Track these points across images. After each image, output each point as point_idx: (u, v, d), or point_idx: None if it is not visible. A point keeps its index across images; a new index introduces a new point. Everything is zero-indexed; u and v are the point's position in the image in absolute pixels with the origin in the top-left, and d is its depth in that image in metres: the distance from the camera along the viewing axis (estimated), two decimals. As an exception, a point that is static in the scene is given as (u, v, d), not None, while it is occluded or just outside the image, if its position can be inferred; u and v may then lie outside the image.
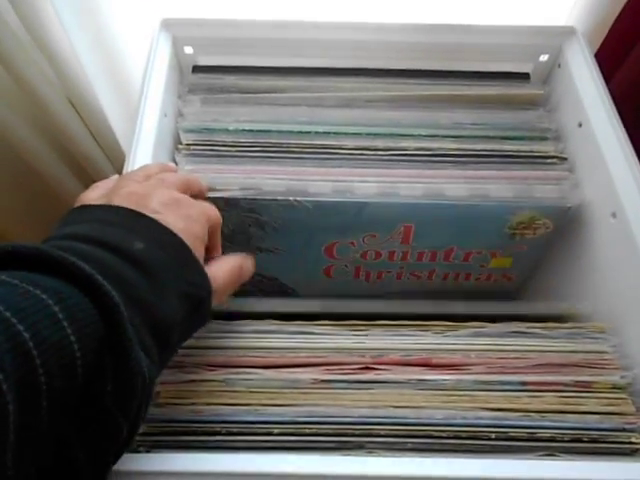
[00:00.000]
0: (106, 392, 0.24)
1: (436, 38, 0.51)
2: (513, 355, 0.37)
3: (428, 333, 0.38)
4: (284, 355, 0.37)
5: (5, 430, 0.20)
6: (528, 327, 0.38)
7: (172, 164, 0.42)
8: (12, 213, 0.69)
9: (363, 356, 0.37)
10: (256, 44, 0.51)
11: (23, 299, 0.22)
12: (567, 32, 0.52)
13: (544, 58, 0.53)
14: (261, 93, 0.50)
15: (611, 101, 0.48)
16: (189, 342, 0.36)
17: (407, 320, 0.38)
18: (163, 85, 0.48)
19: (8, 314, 0.21)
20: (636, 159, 0.44)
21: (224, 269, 0.34)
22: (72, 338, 0.22)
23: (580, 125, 0.48)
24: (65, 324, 0.22)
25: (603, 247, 0.45)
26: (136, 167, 0.42)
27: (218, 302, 0.33)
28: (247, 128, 0.47)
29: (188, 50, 0.52)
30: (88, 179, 0.69)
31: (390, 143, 0.47)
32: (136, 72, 0.55)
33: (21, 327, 0.21)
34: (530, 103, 0.51)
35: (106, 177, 0.56)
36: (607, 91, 0.48)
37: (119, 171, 0.56)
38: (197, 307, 0.30)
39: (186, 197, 0.34)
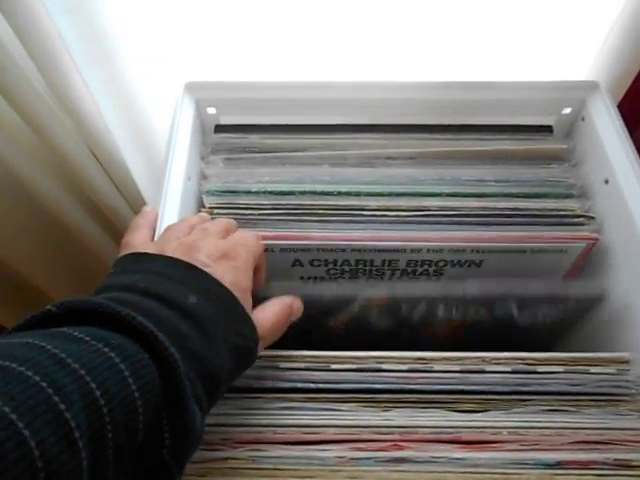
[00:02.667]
0: (165, 446, 0.25)
1: (456, 95, 0.50)
2: (547, 432, 0.35)
3: (457, 412, 0.36)
4: (311, 432, 0.35)
5: None
6: (561, 404, 0.36)
7: (207, 215, 0.43)
8: (38, 261, 0.69)
9: (391, 433, 0.35)
10: (277, 104, 0.50)
11: (94, 357, 0.23)
12: (590, 86, 0.50)
13: (567, 111, 0.52)
14: (283, 152, 0.49)
15: (637, 156, 0.46)
16: (215, 419, 0.35)
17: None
18: (187, 148, 0.47)
19: (83, 372, 0.22)
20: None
21: (270, 313, 0.35)
22: (136, 394, 0.23)
23: (607, 182, 0.46)
24: (130, 381, 0.23)
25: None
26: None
27: (264, 346, 0.34)
28: (269, 189, 0.46)
29: (211, 110, 0.51)
30: (112, 228, 0.69)
31: (413, 202, 0.46)
32: (159, 130, 0.55)
33: (94, 385, 0.22)
34: (554, 158, 0.50)
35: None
36: (633, 146, 0.47)
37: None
38: (245, 357, 0.32)
39: (232, 245, 0.35)
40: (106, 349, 0.24)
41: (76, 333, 0.24)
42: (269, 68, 0.52)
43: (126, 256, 0.34)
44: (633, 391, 0.37)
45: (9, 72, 0.47)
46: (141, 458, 0.24)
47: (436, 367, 0.36)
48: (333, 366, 0.36)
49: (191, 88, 0.50)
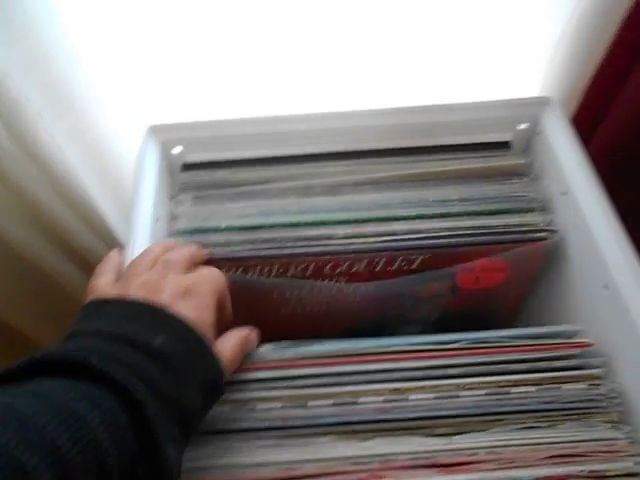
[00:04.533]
0: None
1: (417, 119, 0.50)
2: (523, 449, 0.35)
3: (433, 437, 0.35)
4: (291, 468, 0.35)
5: None
6: (535, 421, 0.36)
7: (172, 241, 0.43)
8: (18, 306, 0.67)
9: (370, 463, 0.35)
10: (241, 139, 0.50)
11: (62, 410, 0.23)
12: (542, 102, 0.51)
13: (523, 127, 0.52)
14: (250, 185, 0.49)
15: (591, 168, 0.46)
16: (194, 463, 0.35)
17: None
18: (153, 190, 0.46)
19: (50, 428, 0.22)
20: (620, 228, 0.42)
21: (230, 345, 0.35)
22: (107, 443, 0.24)
23: (564, 194, 0.47)
24: (100, 429, 0.24)
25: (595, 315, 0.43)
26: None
27: (225, 377, 0.34)
28: (238, 225, 0.46)
29: (177, 150, 0.51)
30: (90, 268, 0.67)
31: (380, 227, 0.46)
32: (127, 171, 0.54)
33: (61, 441, 0.22)
34: (514, 173, 0.50)
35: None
36: (586, 157, 0.47)
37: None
38: (213, 391, 0.32)
39: (194, 281, 0.35)
40: (74, 402, 0.24)
41: (44, 388, 0.24)
42: (230, 104, 0.51)
43: (91, 302, 0.33)
44: (604, 404, 0.36)
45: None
46: None
47: (411, 396, 0.36)
48: (309, 403, 0.35)
49: (155, 130, 0.49)
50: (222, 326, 0.36)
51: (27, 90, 0.43)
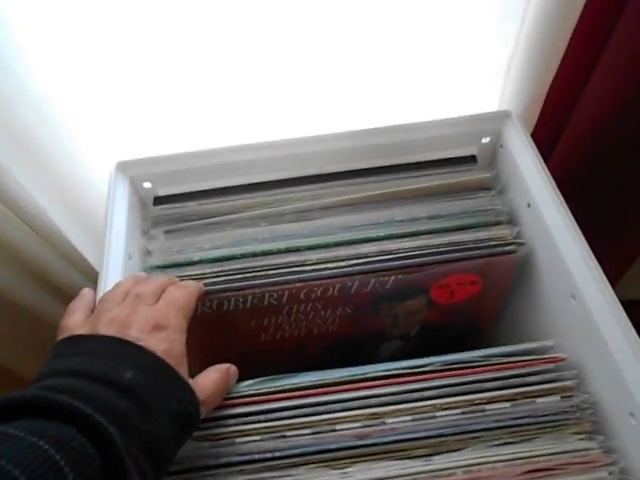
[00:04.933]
0: None
1: (383, 139, 0.51)
2: (499, 466, 0.35)
3: (411, 459, 0.36)
4: (272, 500, 0.35)
5: None
6: (510, 436, 0.36)
7: (142, 273, 0.43)
8: (10, 345, 0.67)
9: (351, 490, 0.35)
10: (209, 170, 0.50)
11: (28, 453, 0.23)
12: (503, 115, 0.52)
13: (486, 140, 0.53)
14: (221, 216, 0.49)
15: (551, 179, 0.47)
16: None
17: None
18: (124, 226, 0.47)
19: (17, 472, 0.22)
20: (582, 238, 0.43)
21: (210, 379, 0.35)
22: None
23: (529, 205, 0.47)
24: (67, 470, 0.24)
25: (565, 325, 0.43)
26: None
27: (207, 411, 0.35)
28: (210, 257, 0.46)
29: (147, 185, 0.51)
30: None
31: (350, 251, 0.46)
32: (99, 210, 0.54)
33: None
34: (480, 187, 0.51)
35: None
36: (546, 169, 0.48)
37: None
38: (187, 422, 0.32)
39: (162, 315, 0.35)
40: (41, 442, 0.24)
41: (11, 430, 0.24)
42: (196, 135, 0.52)
43: (61, 341, 0.34)
44: (578, 415, 0.37)
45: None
46: None
47: (388, 420, 0.36)
48: (288, 433, 0.36)
49: (123, 167, 0.49)
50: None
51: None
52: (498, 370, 0.38)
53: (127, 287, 0.38)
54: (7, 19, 0.40)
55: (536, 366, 0.39)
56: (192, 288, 0.40)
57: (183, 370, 0.33)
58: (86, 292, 0.41)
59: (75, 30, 0.43)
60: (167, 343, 0.33)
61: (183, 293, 0.38)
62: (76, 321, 0.36)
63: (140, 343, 0.32)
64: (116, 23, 0.43)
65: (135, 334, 0.33)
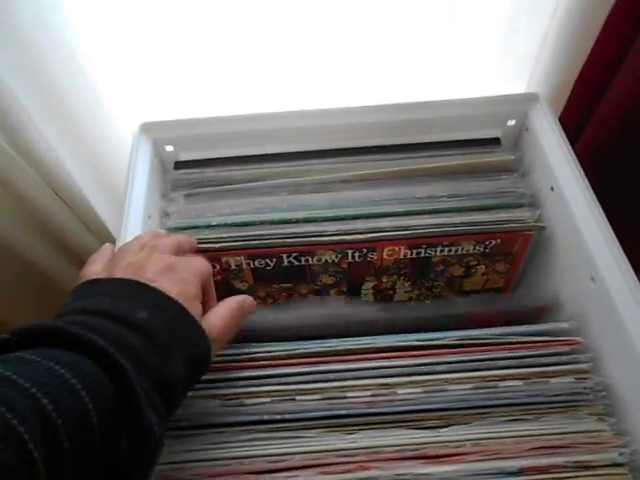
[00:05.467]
0: (121, 451, 0.26)
1: (407, 115, 0.50)
2: (509, 441, 0.35)
3: (420, 429, 0.35)
4: (278, 460, 0.35)
5: None
6: (521, 414, 0.36)
7: (162, 230, 0.43)
8: (16, 303, 0.67)
9: (357, 455, 0.35)
10: (232, 137, 0.50)
11: (45, 375, 0.24)
12: (530, 98, 0.51)
13: (512, 123, 0.52)
14: (241, 183, 0.49)
15: (578, 164, 0.46)
16: (184, 456, 0.35)
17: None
18: (145, 187, 0.46)
19: (34, 390, 0.23)
20: (606, 222, 0.42)
21: (220, 315, 0.35)
22: (89, 406, 0.24)
23: (552, 189, 0.47)
24: (83, 393, 0.24)
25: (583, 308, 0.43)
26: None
27: (219, 348, 0.35)
28: (229, 222, 0.46)
29: (169, 148, 0.51)
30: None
31: (368, 224, 0.46)
32: (119, 170, 0.54)
33: (45, 400, 0.23)
34: (503, 169, 0.50)
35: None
36: (573, 153, 0.47)
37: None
38: (198, 364, 0.32)
39: (178, 260, 0.35)
40: (57, 367, 0.24)
41: (28, 355, 0.25)
42: (221, 102, 0.51)
43: (79, 285, 0.34)
44: (591, 397, 0.37)
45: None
46: (100, 464, 0.25)
47: (399, 391, 0.36)
48: (298, 398, 0.35)
49: (147, 128, 0.49)
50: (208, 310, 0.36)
51: (19, 92, 0.43)
52: (512, 349, 0.38)
53: (145, 240, 0.38)
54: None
55: (551, 348, 0.38)
56: (206, 262, 0.38)
57: (196, 312, 0.33)
58: (107, 246, 0.41)
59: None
60: (181, 285, 0.33)
61: (200, 259, 0.38)
62: (94, 270, 0.36)
63: (154, 285, 0.32)
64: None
65: (150, 276, 0.33)
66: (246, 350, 0.38)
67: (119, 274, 0.33)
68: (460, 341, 0.38)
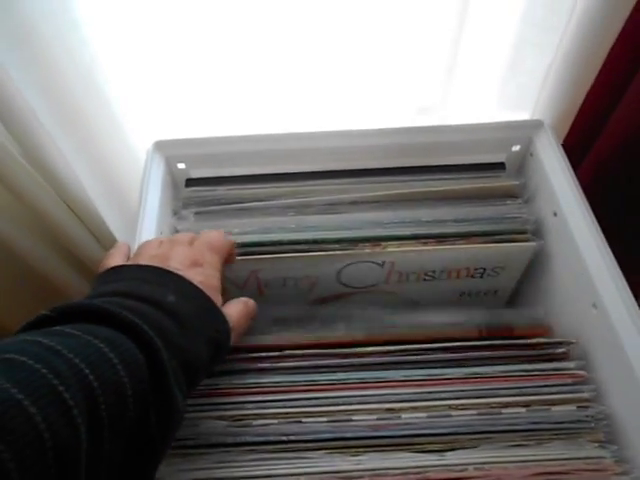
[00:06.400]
0: (151, 423, 0.27)
1: (415, 139, 0.51)
2: (511, 466, 0.35)
3: (424, 453, 0.35)
4: (284, 482, 0.35)
5: (78, 458, 0.22)
6: (523, 439, 0.36)
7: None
8: (26, 314, 0.67)
9: (361, 477, 0.35)
10: (243, 156, 0.50)
11: (86, 348, 0.25)
12: (535, 125, 0.51)
13: (516, 148, 0.53)
14: (251, 202, 0.49)
15: (581, 190, 0.46)
16: (191, 475, 0.35)
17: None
18: (158, 203, 0.47)
19: (77, 360, 0.24)
20: (608, 249, 0.43)
21: (235, 309, 0.36)
22: (125, 379, 0.25)
23: (555, 214, 0.47)
24: (119, 367, 0.25)
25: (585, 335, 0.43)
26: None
27: (236, 338, 0.36)
28: (238, 242, 0.46)
29: (181, 166, 0.51)
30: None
31: (376, 248, 0.46)
32: (132, 187, 0.54)
33: (87, 371, 0.24)
34: (508, 194, 0.50)
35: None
36: (576, 180, 0.47)
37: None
38: (219, 349, 0.33)
39: (198, 252, 0.37)
40: (96, 341, 0.25)
41: (68, 329, 0.26)
42: (233, 122, 0.52)
43: (104, 271, 0.35)
44: (592, 425, 0.37)
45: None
46: (130, 436, 0.26)
47: (404, 415, 0.36)
48: (304, 420, 0.36)
49: (160, 146, 0.50)
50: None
51: (38, 107, 0.43)
52: (516, 381, 0.38)
53: (162, 238, 0.40)
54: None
55: (554, 380, 0.38)
56: (224, 237, 0.41)
57: (218, 302, 0.34)
58: (122, 243, 0.42)
59: (127, 9, 0.43)
60: (203, 276, 0.35)
61: (217, 234, 0.40)
62: (115, 262, 0.37)
63: (181, 273, 0.33)
64: (168, 7, 0.43)
65: (175, 265, 0.34)
66: (252, 380, 0.38)
67: (144, 263, 0.34)
68: (466, 376, 0.38)
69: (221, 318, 0.34)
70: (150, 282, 0.32)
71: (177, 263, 0.35)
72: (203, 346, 0.31)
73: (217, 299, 0.34)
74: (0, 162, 0.47)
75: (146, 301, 0.30)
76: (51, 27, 0.42)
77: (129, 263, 0.36)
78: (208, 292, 0.33)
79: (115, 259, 0.38)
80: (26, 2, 0.40)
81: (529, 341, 0.40)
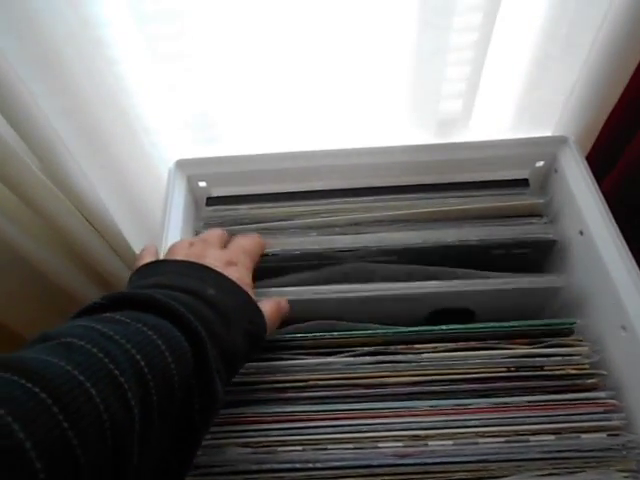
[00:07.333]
0: (195, 410, 0.28)
1: (438, 156, 0.50)
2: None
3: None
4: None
5: (132, 440, 0.23)
6: (554, 468, 0.35)
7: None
8: (42, 323, 0.68)
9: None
10: (263, 174, 0.50)
11: (136, 334, 0.26)
12: (560, 141, 0.50)
13: (540, 164, 0.52)
14: (272, 222, 0.49)
15: (607, 207, 0.45)
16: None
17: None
18: (180, 223, 0.47)
19: (129, 346, 0.25)
20: (636, 268, 0.42)
21: (269, 307, 0.37)
22: (172, 365, 0.26)
23: (581, 233, 0.46)
24: (167, 354, 0.26)
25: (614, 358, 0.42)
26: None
27: (270, 332, 0.37)
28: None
29: (202, 184, 0.51)
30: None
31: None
32: (152, 204, 0.55)
33: (139, 357, 0.25)
34: (533, 212, 0.49)
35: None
36: (602, 197, 0.46)
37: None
38: (256, 342, 0.35)
39: (232, 253, 0.39)
40: (145, 328, 0.26)
41: (118, 317, 0.27)
42: (254, 141, 0.51)
43: (142, 266, 0.36)
44: (624, 453, 0.36)
45: (9, 163, 0.47)
46: (176, 421, 0.27)
47: (430, 442, 0.35)
48: (330, 446, 0.35)
49: (182, 165, 0.50)
50: None
51: (60, 126, 0.43)
52: (544, 410, 0.37)
53: (192, 239, 0.41)
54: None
55: (584, 408, 0.37)
56: (257, 237, 0.43)
57: (253, 297, 0.35)
58: (150, 245, 0.43)
59: (146, 30, 0.43)
60: (239, 274, 0.36)
61: (249, 239, 0.42)
62: (149, 260, 0.38)
63: (218, 269, 0.35)
64: (189, 23, 0.43)
65: (212, 262, 0.36)
66: (278, 409, 0.37)
67: (180, 259, 0.36)
68: (493, 405, 0.38)
69: (257, 312, 0.35)
70: (189, 275, 0.33)
71: (213, 260, 0.36)
72: (241, 338, 0.32)
73: (253, 296, 0.36)
74: (21, 177, 0.48)
75: (188, 292, 0.31)
76: (72, 47, 0.42)
77: (166, 258, 0.37)
78: (244, 288, 0.35)
79: (147, 259, 0.38)
80: (47, 25, 0.40)
81: (558, 372, 0.39)
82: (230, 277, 0.35)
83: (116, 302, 0.28)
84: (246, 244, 0.41)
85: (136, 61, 0.45)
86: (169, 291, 0.30)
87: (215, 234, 0.41)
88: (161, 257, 0.42)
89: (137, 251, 0.61)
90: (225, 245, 0.41)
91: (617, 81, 0.47)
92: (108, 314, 0.27)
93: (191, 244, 0.39)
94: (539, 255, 0.49)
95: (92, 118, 0.44)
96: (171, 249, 0.39)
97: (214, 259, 0.36)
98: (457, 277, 0.45)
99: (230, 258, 0.38)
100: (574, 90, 0.49)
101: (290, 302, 0.41)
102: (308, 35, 0.45)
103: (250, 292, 0.36)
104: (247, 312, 0.34)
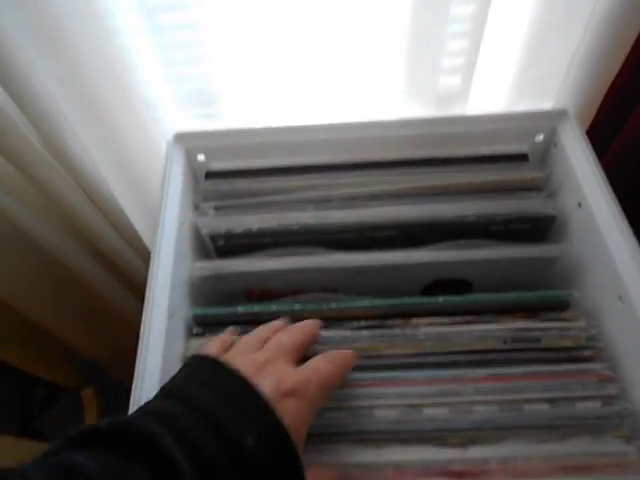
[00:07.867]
0: None
1: (435, 130, 0.50)
2: (535, 461, 0.35)
3: (446, 446, 0.35)
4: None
5: None
6: (547, 433, 0.35)
7: (282, 322, 0.37)
8: (44, 303, 0.68)
9: (384, 470, 0.35)
10: (262, 148, 0.50)
11: None
12: (559, 114, 0.50)
13: (539, 138, 0.51)
14: (269, 195, 0.49)
15: (606, 180, 0.45)
16: None
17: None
18: (179, 196, 0.47)
19: None
20: (634, 240, 0.42)
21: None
22: None
23: (580, 205, 0.46)
24: None
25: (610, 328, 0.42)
26: (159, 276, 0.41)
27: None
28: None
29: (201, 158, 0.51)
30: (115, 268, 0.68)
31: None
32: (151, 179, 0.55)
33: None
34: (532, 186, 0.49)
35: (133, 267, 0.56)
36: (601, 170, 0.46)
37: (144, 259, 0.56)
38: None
39: (303, 379, 0.31)
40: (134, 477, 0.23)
41: (92, 469, 0.23)
42: (252, 114, 0.51)
43: (202, 359, 0.32)
44: (617, 421, 0.36)
45: (8, 134, 0.47)
46: None
47: (426, 410, 0.36)
48: (326, 414, 0.35)
49: (180, 138, 0.49)
50: None
51: (59, 98, 0.43)
52: (539, 379, 0.37)
53: (267, 333, 0.35)
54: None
55: (578, 378, 0.37)
56: (346, 358, 0.35)
57: (301, 450, 0.29)
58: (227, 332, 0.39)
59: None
60: (296, 417, 0.29)
61: (329, 367, 0.33)
62: (215, 349, 0.35)
63: (273, 406, 0.28)
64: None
65: (269, 392, 0.29)
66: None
67: (241, 367, 0.30)
68: (489, 375, 0.38)
69: (299, 472, 0.28)
70: (234, 404, 0.28)
71: (272, 389, 0.29)
72: None
73: (301, 448, 0.29)
74: (21, 152, 0.48)
75: (221, 436, 0.26)
76: (73, 18, 0.42)
77: (225, 363, 0.31)
78: (295, 441, 0.28)
79: (215, 346, 0.35)
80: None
81: (554, 345, 0.39)
82: (281, 421, 0.28)
83: (117, 434, 0.25)
84: (323, 373, 0.32)
85: (136, 32, 0.45)
86: (196, 423, 0.26)
87: (294, 339, 0.34)
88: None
89: (136, 226, 0.62)
90: (300, 356, 0.34)
91: (618, 50, 0.46)
92: (81, 460, 0.23)
93: (263, 342, 0.33)
94: (538, 231, 0.49)
95: (90, 87, 0.44)
96: (238, 345, 0.34)
97: (275, 385, 0.30)
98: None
99: (296, 388, 0.30)
100: (574, 61, 0.48)
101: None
102: (306, 9, 0.45)
103: (300, 444, 0.29)
104: (284, 471, 0.28)
